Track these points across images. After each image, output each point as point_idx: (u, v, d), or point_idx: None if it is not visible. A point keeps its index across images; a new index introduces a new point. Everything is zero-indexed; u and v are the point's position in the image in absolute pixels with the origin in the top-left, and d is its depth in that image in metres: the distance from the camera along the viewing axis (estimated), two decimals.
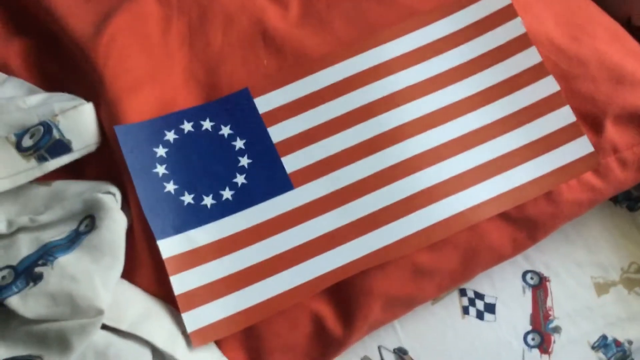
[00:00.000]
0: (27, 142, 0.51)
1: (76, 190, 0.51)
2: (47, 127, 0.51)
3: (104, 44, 0.56)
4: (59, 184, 0.53)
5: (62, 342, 0.44)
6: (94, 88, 0.56)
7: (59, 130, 0.52)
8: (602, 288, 0.63)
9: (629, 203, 0.66)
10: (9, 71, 0.60)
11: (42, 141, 0.51)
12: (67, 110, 0.52)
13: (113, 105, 0.54)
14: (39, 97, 0.55)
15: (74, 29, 0.58)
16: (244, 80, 0.57)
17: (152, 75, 0.57)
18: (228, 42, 0.59)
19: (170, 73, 0.58)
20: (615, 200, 0.66)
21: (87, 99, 0.55)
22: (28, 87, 0.58)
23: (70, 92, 0.57)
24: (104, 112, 0.54)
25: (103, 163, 0.55)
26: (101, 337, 0.46)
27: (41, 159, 0.51)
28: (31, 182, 0.52)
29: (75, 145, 0.52)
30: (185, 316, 0.49)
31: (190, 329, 0.49)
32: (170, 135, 0.54)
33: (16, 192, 0.52)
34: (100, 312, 0.44)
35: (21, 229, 0.49)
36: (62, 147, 0.52)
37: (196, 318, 0.49)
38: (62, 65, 0.61)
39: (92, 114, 0.54)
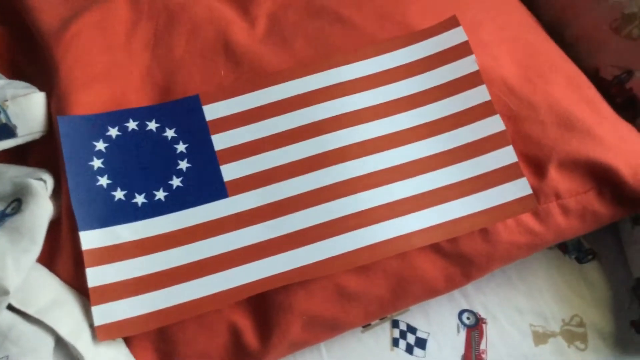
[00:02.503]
0: None
1: (12, 174, 0.52)
2: None
3: (66, 38, 0.58)
4: None
5: None
6: (50, 79, 0.57)
7: (6, 114, 0.53)
8: (540, 337, 0.61)
9: (578, 254, 0.65)
10: None
11: None
12: (17, 97, 0.54)
13: (63, 96, 0.55)
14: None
15: (42, 21, 0.60)
16: (198, 87, 0.59)
17: (109, 74, 0.58)
18: (190, 50, 0.61)
19: (128, 74, 0.59)
20: (565, 250, 0.65)
21: (44, 90, 0.56)
22: None
23: (32, 82, 0.58)
24: (54, 103, 0.55)
25: (46, 152, 0.56)
26: (6, 318, 0.46)
27: None
28: None
29: (20, 131, 0.54)
30: (95, 309, 0.49)
31: (97, 322, 0.49)
32: (113, 132, 0.55)
33: None
34: (5, 292, 0.45)
35: None
36: (7, 131, 0.53)
37: (106, 313, 0.49)
38: (30, 56, 0.63)
39: (41, 103, 0.55)
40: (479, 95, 0.57)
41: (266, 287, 0.51)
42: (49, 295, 0.48)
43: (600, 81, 0.66)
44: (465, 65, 0.57)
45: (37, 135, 0.55)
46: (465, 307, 0.62)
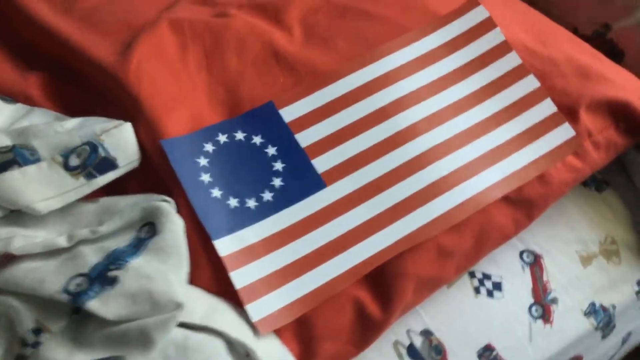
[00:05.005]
0: (74, 161, 0.54)
1: (127, 202, 0.54)
2: (92, 146, 0.54)
3: (133, 69, 0.60)
4: (106, 200, 0.55)
5: (144, 339, 0.46)
6: (127, 109, 0.59)
7: (104, 148, 0.54)
8: (586, 260, 0.71)
9: (596, 185, 0.75)
10: (30, 102, 0.63)
11: (89, 160, 0.54)
12: (109, 129, 0.55)
13: (153, 122, 0.57)
14: (75, 121, 0.58)
15: (97, 57, 0.61)
16: (263, 96, 0.63)
17: (180, 96, 0.61)
18: (243, 64, 0.65)
19: (194, 94, 0.62)
20: (585, 183, 0.75)
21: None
22: (54, 115, 0.61)
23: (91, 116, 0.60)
24: (144, 130, 0.57)
25: (142, 178, 0.58)
26: (177, 332, 0.48)
27: (89, 176, 0.54)
28: (78, 201, 0.54)
29: (120, 161, 0.55)
30: (249, 307, 0.52)
31: (255, 318, 0.52)
32: (209, 147, 0.58)
33: (64, 210, 0.54)
34: (179, 306, 0.47)
35: (81, 242, 0.51)
36: (109, 164, 0.55)
37: (259, 308, 0.52)
38: (79, 93, 0.64)
39: (132, 132, 0.57)
40: (511, 60, 0.66)
41: (383, 258, 0.57)
42: (203, 304, 0.51)
43: (580, 37, 0.77)
44: (493, 37, 0.66)
45: (135, 164, 0.56)
46: (522, 248, 0.70)
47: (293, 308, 0.54)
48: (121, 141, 0.55)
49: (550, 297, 0.69)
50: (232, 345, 0.50)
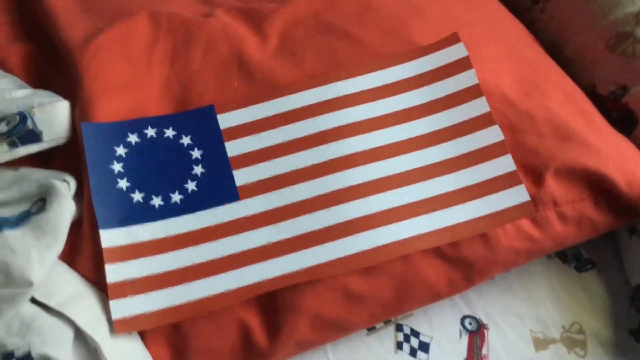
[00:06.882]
0: (2, 128, 0.56)
1: (37, 176, 0.55)
2: (22, 116, 0.56)
3: (90, 51, 0.62)
4: (25, 170, 0.57)
5: None
6: (73, 89, 0.61)
7: (33, 121, 0.56)
8: (540, 343, 0.63)
9: (577, 264, 0.67)
10: (7, 69, 0.66)
11: (16, 129, 0.56)
12: (44, 104, 0.57)
13: (86, 105, 0.58)
14: (25, 92, 0.60)
15: (68, 36, 0.64)
16: (213, 98, 0.62)
17: (129, 84, 0.62)
18: (206, 64, 0.64)
19: (147, 85, 0.63)
20: (565, 259, 0.67)
21: (68, 99, 0.60)
22: (20, 84, 0.64)
23: (57, 92, 0.62)
24: (78, 111, 0.59)
25: (70, 158, 0.59)
26: (29, 309, 0.48)
27: (12, 145, 0.56)
28: (0, 166, 0.57)
29: (45, 136, 0.57)
30: (113, 304, 0.51)
31: (115, 316, 0.51)
32: (133, 138, 0.58)
33: None
34: (30, 284, 0.47)
35: None
36: (34, 136, 0.56)
37: (123, 307, 0.51)
38: (55, 69, 0.67)
39: (66, 111, 0.58)
40: (478, 106, 0.60)
41: (275, 286, 0.54)
42: (69, 289, 0.51)
43: (596, 97, 0.69)
44: (466, 79, 0.61)
45: (61, 141, 0.58)
46: (468, 313, 0.64)
47: (162, 315, 0.52)
48: (51, 117, 0.57)
49: None
50: (84, 338, 0.50)
